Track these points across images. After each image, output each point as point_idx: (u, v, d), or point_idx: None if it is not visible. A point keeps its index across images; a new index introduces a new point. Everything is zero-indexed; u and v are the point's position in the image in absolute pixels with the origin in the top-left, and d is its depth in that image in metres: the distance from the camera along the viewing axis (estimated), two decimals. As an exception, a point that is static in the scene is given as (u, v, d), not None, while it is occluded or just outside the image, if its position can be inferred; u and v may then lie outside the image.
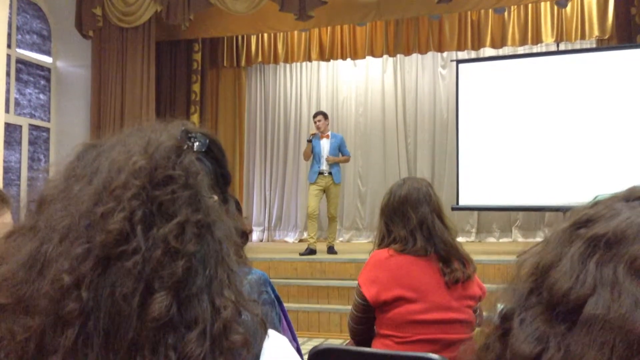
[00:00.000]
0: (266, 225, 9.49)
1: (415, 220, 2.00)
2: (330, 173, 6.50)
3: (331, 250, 6.38)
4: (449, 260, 1.98)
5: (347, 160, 6.95)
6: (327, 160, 6.47)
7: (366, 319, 2.04)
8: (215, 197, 0.74)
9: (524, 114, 6.21)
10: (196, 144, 0.76)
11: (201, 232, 0.64)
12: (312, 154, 6.61)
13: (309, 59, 8.55)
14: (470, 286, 2.01)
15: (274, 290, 2.06)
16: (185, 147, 0.71)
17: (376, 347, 1.96)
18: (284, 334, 2.05)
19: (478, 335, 1.93)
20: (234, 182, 8.68)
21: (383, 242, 2.08)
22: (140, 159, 0.66)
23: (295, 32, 8.26)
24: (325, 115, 6.75)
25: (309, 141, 6.67)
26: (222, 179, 0.81)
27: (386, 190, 2.17)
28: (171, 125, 0.75)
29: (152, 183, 0.64)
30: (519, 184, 6.15)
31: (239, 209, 2.10)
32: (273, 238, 9.39)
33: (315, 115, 6.82)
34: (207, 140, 0.79)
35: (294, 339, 2.14)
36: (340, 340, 5.17)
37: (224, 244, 0.66)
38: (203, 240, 0.64)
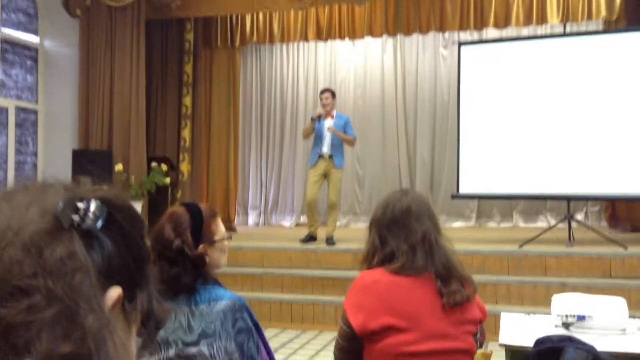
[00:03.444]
0: (262, 209, 9.31)
1: (419, 233, 1.80)
2: (331, 156, 6.17)
3: (330, 241, 6.08)
4: (448, 280, 1.76)
5: (351, 142, 6.43)
6: (328, 130, 6.09)
7: (352, 349, 1.81)
8: (116, 292, 0.52)
9: (527, 98, 5.98)
10: (87, 219, 0.52)
11: None
12: (313, 134, 6.24)
13: (306, 39, 8.27)
14: (469, 309, 1.79)
15: (251, 316, 1.87)
16: (69, 225, 0.50)
17: (366, 384, 1.76)
18: (263, 362, 1.87)
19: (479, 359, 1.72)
20: (228, 166, 8.46)
21: (375, 256, 1.84)
22: None
23: (292, 11, 7.96)
24: (333, 94, 6.36)
25: (313, 120, 6.22)
26: (134, 261, 0.57)
27: (381, 200, 1.94)
28: (53, 191, 0.53)
29: None
30: (521, 170, 5.94)
31: (198, 226, 1.88)
32: (269, 222, 9.21)
33: (322, 92, 6.40)
34: (107, 210, 0.54)
35: (274, 368, 1.96)
36: (334, 334, 5.02)
37: None
38: None
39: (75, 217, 0.51)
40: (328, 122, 6.21)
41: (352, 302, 1.80)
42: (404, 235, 1.81)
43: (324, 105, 6.23)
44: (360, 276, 1.84)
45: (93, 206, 0.53)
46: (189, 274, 1.77)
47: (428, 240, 1.80)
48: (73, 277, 0.47)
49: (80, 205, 0.53)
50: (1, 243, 0.46)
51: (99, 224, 0.53)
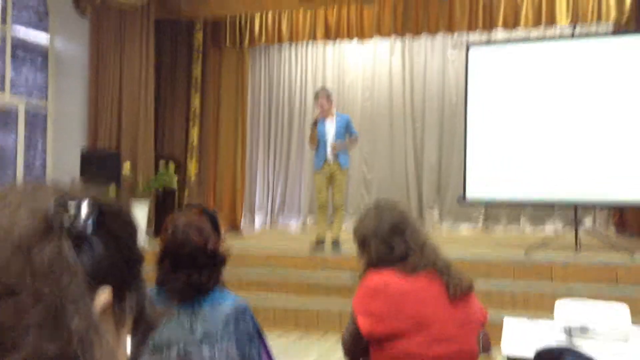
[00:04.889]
0: (269, 210, 9.32)
1: (422, 233, 1.96)
2: (337, 158, 6.10)
3: (336, 245, 6.06)
4: (450, 273, 1.88)
5: (355, 142, 6.35)
6: (332, 148, 6.03)
7: (358, 346, 1.88)
8: (105, 294, 0.53)
9: (535, 102, 5.94)
10: (78, 220, 0.52)
11: None
12: (317, 138, 6.14)
13: (314, 39, 8.26)
14: (472, 303, 1.90)
15: (253, 321, 1.88)
16: (58, 226, 0.51)
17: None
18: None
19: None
20: (236, 167, 8.48)
21: (382, 262, 1.90)
22: None
23: (300, 11, 7.96)
24: (328, 94, 6.22)
25: (314, 125, 6.12)
26: (125, 263, 0.57)
27: (361, 214, 2.07)
28: (44, 191, 0.54)
29: None
30: (529, 175, 5.91)
31: (215, 227, 1.91)
32: (276, 224, 9.22)
33: (317, 93, 6.27)
34: (98, 212, 0.54)
35: (275, 373, 1.96)
36: (338, 335, 5.00)
37: None
38: None
39: (66, 219, 0.52)
40: (329, 124, 6.12)
41: (361, 306, 1.85)
42: (412, 236, 1.91)
43: (321, 106, 6.14)
44: (371, 277, 1.88)
45: (84, 208, 0.54)
46: (215, 277, 1.81)
47: (429, 239, 1.94)
48: (60, 278, 0.47)
49: (71, 206, 0.53)
50: None
51: (89, 225, 0.54)
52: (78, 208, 0.54)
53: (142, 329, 0.62)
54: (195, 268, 1.77)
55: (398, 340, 1.77)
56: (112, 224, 0.57)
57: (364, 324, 1.80)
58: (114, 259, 0.56)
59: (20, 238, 0.48)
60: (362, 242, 1.97)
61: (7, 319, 0.44)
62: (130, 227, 0.60)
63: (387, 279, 1.83)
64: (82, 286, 0.50)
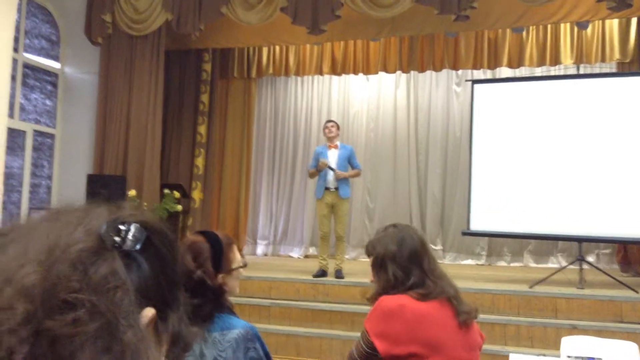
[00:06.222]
0: (271, 239, 9.31)
1: (437, 265, 2.03)
2: (337, 188, 6.16)
3: (339, 274, 6.06)
4: (460, 301, 1.96)
5: (357, 175, 6.46)
6: (335, 176, 6.16)
7: None
8: (150, 313, 0.55)
9: (540, 137, 6.00)
10: (128, 240, 0.56)
11: None
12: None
13: (321, 73, 8.38)
14: (474, 330, 1.98)
15: (263, 346, 1.88)
16: (111, 245, 0.54)
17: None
18: (273, 395, 1.86)
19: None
20: (240, 195, 8.52)
21: (395, 288, 1.97)
22: (33, 270, 0.48)
23: (308, 45, 8.10)
24: (337, 125, 6.42)
25: (318, 171, 6.23)
26: (168, 283, 0.60)
27: (380, 232, 2.16)
28: (97, 213, 0.57)
29: (45, 308, 0.47)
30: (533, 209, 5.93)
31: (218, 255, 1.90)
32: (278, 252, 9.20)
33: (328, 121, 6.48)
34: (145, 234, 0.58)
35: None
36: (341, 368, 4.97)
37: None
38: None
39: (117, 239, 0.55)
40: (332, 153, 6.24)
41: (376, 328, 1.90)
42: (429, 266, 2.00)
43: (329, 133, 6.30)
44: (385, 299, 1.94)
45: (133, 229, 0.57)
46: (209, 304, 1.78)
47: (438, 268, 2.03)
48: (115, 294, 0.50)
49: (122, 227, 0.57)
50: (50, 259, 0.49)
51: (138, 246, 0.57)
52: (128, 229, 0.57)
53: (178, 348, 0.64)
54: (186, 292, 1.77)
55: None
56: (158, 245, 0.60)
57: (382, 346, 1.87)
58: (159, 279, 0.59)
59: (78, 256, 0.51)
60: (380, 263, 2.02)
61: (65, 332, 0.46)
62: (174, 250, 0.64)
63: (403, 302, 1.91)
64: (133, 302, 0.52)
